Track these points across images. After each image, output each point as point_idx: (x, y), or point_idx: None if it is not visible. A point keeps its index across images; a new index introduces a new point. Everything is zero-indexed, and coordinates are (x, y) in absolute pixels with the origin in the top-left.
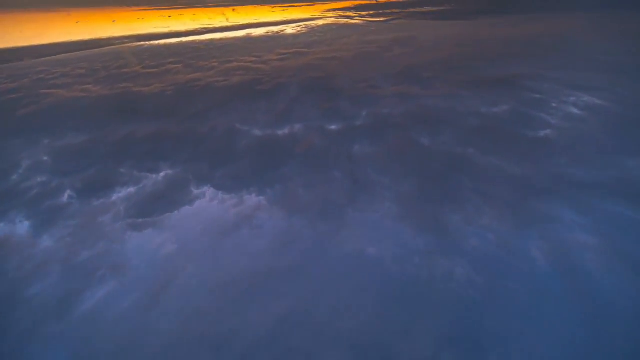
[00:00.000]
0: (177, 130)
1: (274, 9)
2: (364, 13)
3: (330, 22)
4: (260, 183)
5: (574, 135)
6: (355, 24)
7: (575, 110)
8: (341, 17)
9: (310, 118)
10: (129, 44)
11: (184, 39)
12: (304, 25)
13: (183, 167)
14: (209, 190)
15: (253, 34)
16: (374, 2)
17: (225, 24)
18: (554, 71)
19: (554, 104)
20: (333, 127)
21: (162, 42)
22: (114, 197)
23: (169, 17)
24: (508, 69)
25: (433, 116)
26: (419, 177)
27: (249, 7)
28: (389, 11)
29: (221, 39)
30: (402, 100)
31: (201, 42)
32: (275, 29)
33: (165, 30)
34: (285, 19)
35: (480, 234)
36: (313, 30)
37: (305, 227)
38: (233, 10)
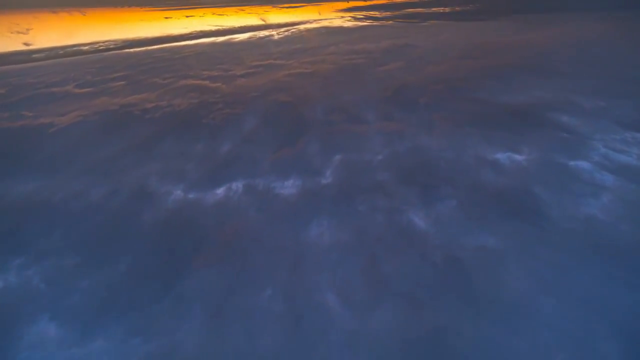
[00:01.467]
0: (58, 195)
1: (267, 11)
2: (366, 14)
3: (324, 25)
4: (125, 323)
5: None
6: (350, 26)
7: (636, 163)
8: (341, 18)
9: (259, 171)
10: (83, 55)
11: (150, 47)
12: (295, 29)
13: (36, 268)
14: (49, 329)
15: (234, 40)
16: (387, 1)
17: (209, 27)
18: (591, 97)
19: (600, 150)
20: (286, 189)
21: (123, 51)
22: None
23: (166, 18)
24: (527, 92)
25: (431, 171)
26: (405, 310)
27: (252, 8)
28: (396, 13)
29: (194, 46)
30: (389, 142)
31: (170, 49)
32: (261, 33)
33: (133, 36)
34: (276, 22)
35: None
36: (301, 36)
37: None
38: (221, 12)
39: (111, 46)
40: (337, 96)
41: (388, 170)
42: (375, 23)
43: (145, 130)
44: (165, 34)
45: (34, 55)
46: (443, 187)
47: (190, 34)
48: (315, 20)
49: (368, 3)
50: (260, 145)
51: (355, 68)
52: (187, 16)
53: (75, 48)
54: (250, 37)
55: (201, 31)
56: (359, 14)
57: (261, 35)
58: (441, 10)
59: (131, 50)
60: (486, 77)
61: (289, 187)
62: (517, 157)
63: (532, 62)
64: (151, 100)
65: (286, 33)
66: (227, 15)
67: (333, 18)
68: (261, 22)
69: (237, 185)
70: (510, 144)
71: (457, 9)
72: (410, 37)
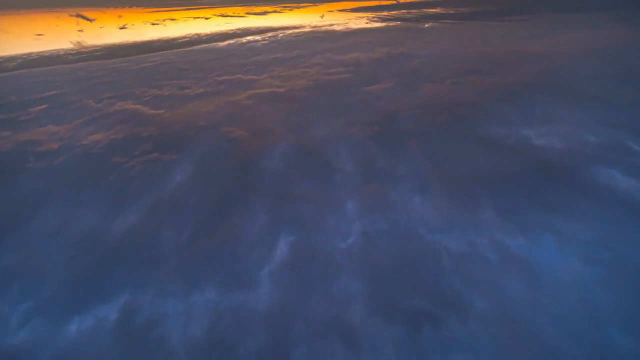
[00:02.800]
0: None
1: (267, 12)
2: (373, 14)
3: (320, 28)
4: None
5: None
6: (348, 30)
7: None
8: (343, 19)
9: (155, 278)
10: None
11: (114, 60)
12: (286, 32)
13: None
14: None
15: (210, 47)
16: (394, 1)
17: (191, 32)
18: None
19: None
20: (184, 324)
21: (76, 64)
22: None
23: (163, 22)
24: (556, 125)
25: (428, 281)
26: None
27: (253, 8)
28: (404, 12)
29: (162, 54)
30: (365, 216)
31: (134, 60)
32: (245, 39)
33: (95, 43)
34: (266, 26)
35: None
36: (288, 41)
37: None
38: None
39: (64, 54)
40: (306, 129)
41: (358, 276)
42: (377, 25)
43: (26, 189)
44: (142, 40)
45: None
46: (450, 324)
47: (169, 40)
48: (312, 23)
49: (377, 3)
50: (177, 221)
51: (337, 87)
52: (171, 19)
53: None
54: (230, 44)
55: (184, 36)
56: (365, 15)
57: (244, 41)
58: (451, 11)
59: (87, 62)
60: (499, 101)
61: (193, 319)
62: (561, 247)
63: (554, 80)
64: (61, 137)
65: (273, 38)
66: (213, 17)
67: (333, 20)
68: (247, 26)
69: (111, 312)
70: (546, 222)
71: (465, 10)
72: (409, 44)
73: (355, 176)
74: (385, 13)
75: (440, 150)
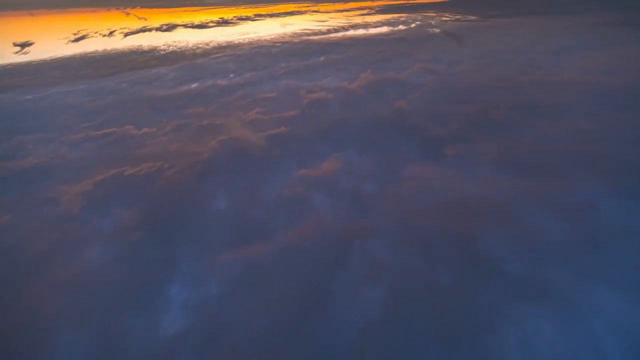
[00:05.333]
0: None
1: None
2: (379, 17)
3: (300, 41)
4: None
5: None
6: (333, 38)
7: None
8: (337, 18)
9: None
10: None
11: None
12: (243, 40)
13: None
14: None
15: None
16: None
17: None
18: None
19: None
20: None
21: None
22: None
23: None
24: None
25: None
26: None
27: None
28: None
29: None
30: None
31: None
32: (223, 55)
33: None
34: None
35: None
36: (234, 56)
37: None
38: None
39: None
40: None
41: None
42: (372, 31)
43: None
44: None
45: None
46: None
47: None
48: (297, 29)
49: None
50: None
51: (255, 160)
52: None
53: None
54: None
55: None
56: (362, 13)
57: (225, 49)
58: (459, 15)
59: None
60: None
61: None
62: None
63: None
64: None
65: (221, 53)
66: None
67: (326, 22)
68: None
69: None
70: None
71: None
72: (405, 61)
73: None
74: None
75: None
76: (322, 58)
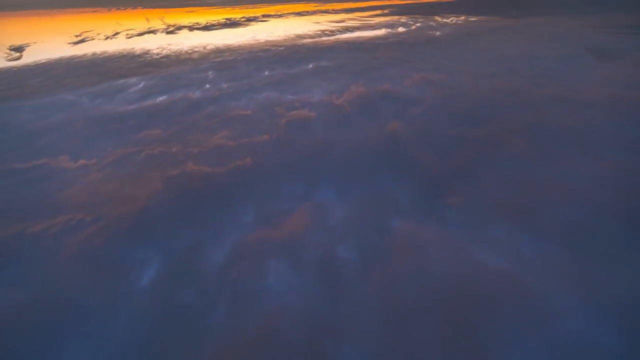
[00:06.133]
0: None
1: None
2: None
3: (293, 44)
4: None
5: None
6: (317, 44)
7: None
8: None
9: None
10: None
11: None
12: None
13: None
14: None
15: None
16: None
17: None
18: None
19: None
20: None
21: None
22: None
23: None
24: None
25: None
26: None
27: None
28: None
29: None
30: None
31: None
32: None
33: None
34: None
35: None
36: (226, 67)
37: None
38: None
39: None
40: None
41: None
42: (367, 34)
43: None
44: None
45: None
46: None
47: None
48: (291, 31)
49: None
50: None
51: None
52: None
53: None
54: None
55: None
56: (359, 14)
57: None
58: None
59: None
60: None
61: None
62: None
63: None
64: None
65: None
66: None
67: (322, 24)
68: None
69: None
70: None
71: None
72: (401, 70)
73: None
74: (386, 12)
75: None
76: (310, 66)
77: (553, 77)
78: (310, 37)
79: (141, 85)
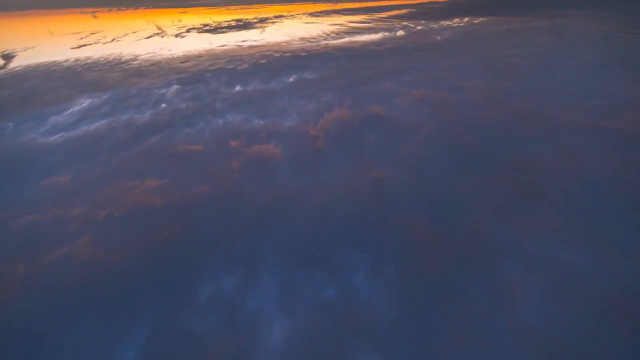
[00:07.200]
0: None
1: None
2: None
3: (279, 49)
4: None
5: None
6: (309, 54)
7: None
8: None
9: None
10: None
11: None
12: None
13: None
14: None
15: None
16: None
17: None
18: None
19: None
20: None
21: None
22: None
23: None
24: None
25: None
26: None
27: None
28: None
29: None
30: None
31: None
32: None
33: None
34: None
35: None
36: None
37: None
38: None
39: None
40: None
41: None
42: (363, 38)
43: None
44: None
45: None
46: None
47: None
48: (282, 38)
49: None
50: None
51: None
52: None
53: None
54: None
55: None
56: (357, 18)
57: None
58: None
59: None
60: None
61: None
62: None
63: None
64: None
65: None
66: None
67: (316, 27)
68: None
69: None
70: None
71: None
72: (399, 87)
73: None
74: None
75: None
76: (291, 79)
77: (577, 95)
78: (301, 40)
79: (86, 105)
